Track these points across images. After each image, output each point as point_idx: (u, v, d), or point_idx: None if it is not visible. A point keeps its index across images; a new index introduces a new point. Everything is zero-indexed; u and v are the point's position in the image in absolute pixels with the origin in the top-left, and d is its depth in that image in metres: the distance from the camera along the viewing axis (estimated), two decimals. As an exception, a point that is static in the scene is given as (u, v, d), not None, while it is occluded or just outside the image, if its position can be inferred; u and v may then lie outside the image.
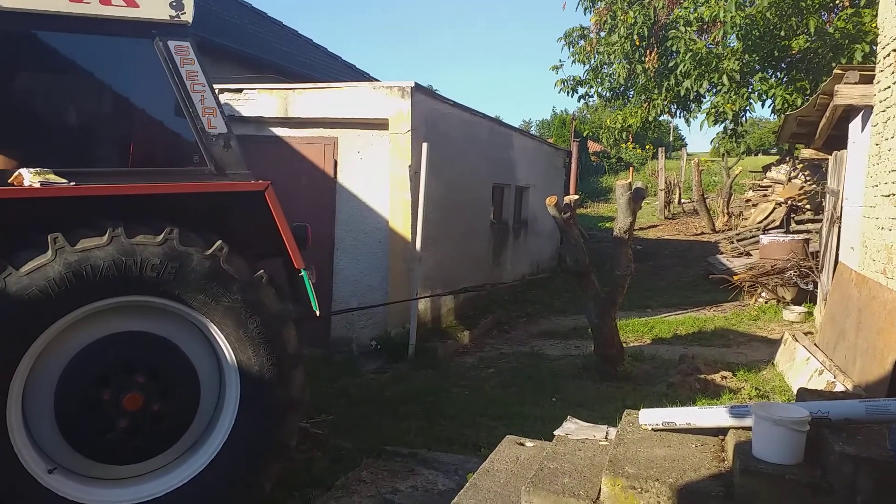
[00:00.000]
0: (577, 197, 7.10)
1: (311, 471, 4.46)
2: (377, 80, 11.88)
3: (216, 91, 3.80)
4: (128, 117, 4.06)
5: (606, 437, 3.97)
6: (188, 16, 3.67)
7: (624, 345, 8.32)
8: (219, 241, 3.38)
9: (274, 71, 11.74)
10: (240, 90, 8.09)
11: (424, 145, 7.61)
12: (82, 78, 3.99)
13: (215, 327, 3.43)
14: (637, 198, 6.55)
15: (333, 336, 8.03)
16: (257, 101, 8.03)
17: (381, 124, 7.74)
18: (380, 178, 7.85)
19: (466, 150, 9.50)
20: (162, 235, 3.26)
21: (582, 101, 16.03)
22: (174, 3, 3.64)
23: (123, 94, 4.04)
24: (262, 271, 3.53)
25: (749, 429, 3.16)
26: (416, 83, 7.65)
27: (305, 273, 3.74)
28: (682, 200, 25.31)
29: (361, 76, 16.83)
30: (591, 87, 15.49)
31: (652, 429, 3.63)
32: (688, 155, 31.04)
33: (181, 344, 3.48)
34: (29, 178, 3.18)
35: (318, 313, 3.91)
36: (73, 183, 3.22)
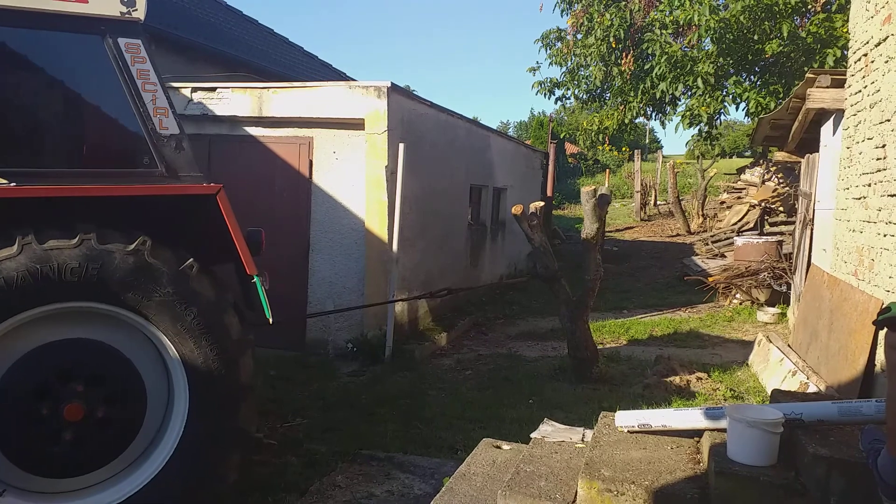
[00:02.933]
0: (542, 204, 7.07)
1: (284, 475, 4.38)
2: (353, 80, 11.80)
3: (168, 91, 3.71)
4: (75, 117, 3.93)
5: (583, 440, 3.96)
6: (140, 12, 3.57)
7: (600, 346, 8.36)
8: (141, 236, 3.29)
9: (248, 69, 11.63)
10: (213, 89, 7.98)
11: (401, 146, 7.56)
12: (27, 75, 3.85)
13: (152, 324, 3.35)
14: (602, 203, 6.58)
15: (309, 338, 7.95)
16: (231, 100, 7.92)
17: (357, 124, 7.67)
18: (356, 178, 7.79)
19: (444, 151, 9.47)
20: (77, 237, 3.15)
21: (559, 102, 16.13)
22: (126, 0, 3.54)
23: (71, 92, 3.90)
24: (191, 260, 3.43)
25: (724, 430, 3.17)
26: (392, 83, 7.60)
27: (258, 279, 3.67)
28: (658, 202, 25.57)
29: (338, 76, 16.73)
30: (568, 89, 15.58)
31: (628, 431, 3.63)
32: (663, 157, 31.36)
33: (120, 346, 3.40)
34: None
35: (270, 321, 3.81)
36: (13, 184, 3.12)
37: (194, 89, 8.00)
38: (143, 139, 3.55)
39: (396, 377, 6.85)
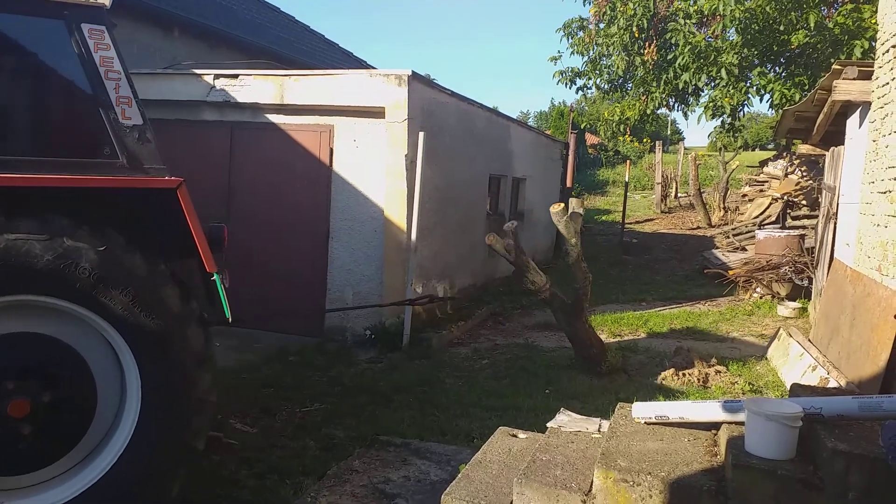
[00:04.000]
0: (515, 223, 6.93)
1: (303, 459, 4.45)
2: (374, 68, 11.80)
3: (133, 79, 3.57)
4: (34, 104, 3.77)
5: (599, 430, 3.96)
6: None
7: (617, 338, 8.36)
8: (113, 235, 3.19)
9: (270, 57, 11.68)
10: (235, 76, 8.03)
11: (421, 134, 7.57)
12: None
13: (113, 328, 3.22)
14: (575, 218, 6.51)
15: (328, 325, 8.02)
16: (253, 87, 7.97)
17: (377, 112, 7.68)
18: (376, 166, 7.81)
19: (463, 140, 9.46)
20: (46, 230, 3.04)
21: (580, 92, 16.02)
22: None
23: (30, 78, 3.73)
24: (163, 267, 3.33)
25: (742, 424, 3.16)
26: (413, 71, 7.59)
27: (218, 277, 3.54)
28: (679, 194, 25.35)
29: (359, 64, 16.74)
30: (590, 78, 15.43)
31: (645, 422, 3.63)
32: (685, 149, 31.06)
33: (71, 341, 3.26)
34: None
35: (230, 320, 3.68)
36: None
37: (217, 76, 8.06)
38: (105, 129, 3.42)
39: (413, 365, 6.89)
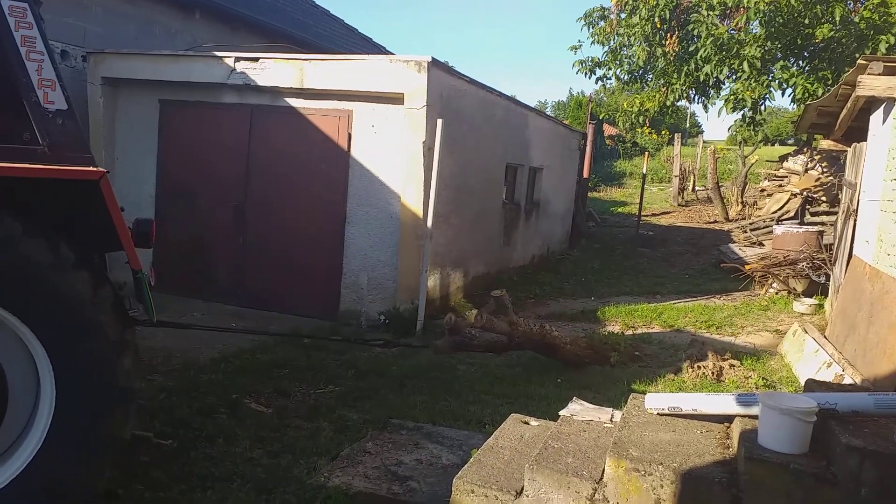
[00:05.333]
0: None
1: (317, 440, 4.50)
2: (393, 54, 11.78)
3: (58, 62, 3.42)
4: None
5: (611, 420, 3.97)
6: None
7: (631, 330, 8.34)
8: (10, 222, 2.97)
9: (290, 41, 11.69)
10: (256, 59, 8.05)
11: (439, 121, 7.56)
12: None
13: (17, 318, 3.03)
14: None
15: (343, 309, 8.07)
16: (273, 70, 7.99)
17: (396, 98, 7.68)
18: (393, 152, 7.82)
19: (481, 128, 9.44)
20: None
21: (599, 83, 15.84)
22: None
23: None
24: (67, 251, 3.11)
25: (755, 417, 3.16)
26: (433, 58, 7.57)
27: (143, 275, 3.40)
28: (697, 188, 25.15)
29: (378, 49, 16.69)
30: (610, 69, 15.31)
31: (657, 413, 3.63)
32: (704, 142, 30.80)
33: None
34: None
35: (154, 320, 3.57)
36: None
37: (237, 59, 8.09)
38: (25, 113, 3.18)
39: (427, 350, 6.91)
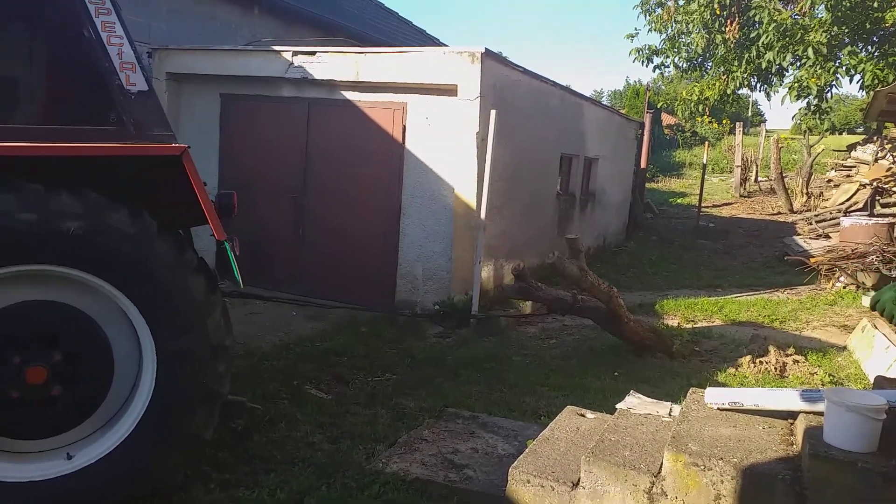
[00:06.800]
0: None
1: (374, 426, 4.59)
2: (447, 46, 11.78)
3: (136, 45, 3.51)
4: (36, 72, 3.70)
5: (670, 414, 3.93)
6: None
7: (691, 324, 8.19)
8: (142, 211, 3.18)
9: (346, 34, 11.83)
10: (313, 52, 8.18)
11: (492, 112, 7.55)
12: None
13: (114, 287, 3.17)
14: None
15: (398, 299, 8.17)
16: (329, 64, 8.11)
17: (450, 90, 7.70)
18: (447, 144, 7.85)
19: (535, 119, 9.37)
20: (78, 202, 3.02)
21: (657, 71, 15.51)
22: None
23: (32, 47, 3.67)
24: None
25: (821, 414, 3.08)
26: (486, 49, 7.56)
27: (227, 244, 3.51)
28: (759, 178, 24.41)
29: (431, 41, 16.75)
30: (668, 56, 14.97)
31: (717, 408, 3.58)
32: (767, 131, 29.77)
33: (85, 308, 3.22)
34: None
35: (241, 285, 3.68)
36: None
37: (295, 53, 8.24)
38: (110, 95, 3.34)
39: (481, 341, 6.96)
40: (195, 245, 3.78)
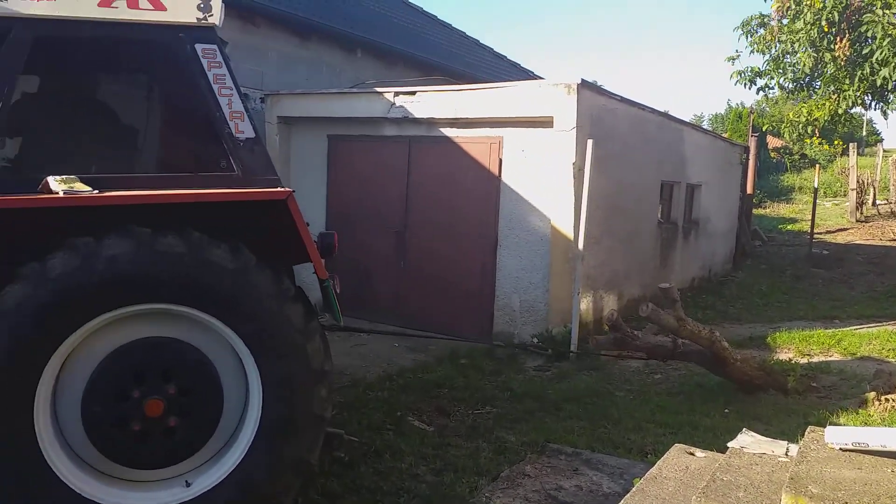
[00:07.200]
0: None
1: (476, 459, 4.61)
2: (541, 78, 11.87)
3: (244, 95, 3.72)
4: (154, 122, 4.03)
5: (786, 454, 3.73)
6: (216, 18, 3.57)
7: (806, 357, 7.74)
8: (246, 251, 3.33)
9: (443, 72, 12.17)
10: (413, 92, 8.48)
11: (589, 142, 7.53)
12: (109, 82, 3.99)
13: (241, 340, 3.36)
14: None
15: (496, 331, 8.21)
16: (429, 102, 8.37)
17: (545, 122, 7.76)
18: (543, 175, 7.88)
19: (633, 147, 9.26)
20: (190, 243, 3.20)
21: (761, 93, 14.92)
22: (202, 6, 3.53)
23: (150, 98, 3.99)
24: (289, 284, 3.46)
25: (961, 457, 2.85)
26: (582, 79, 7.59)
27: (329, 283, 3.67)
28: (877, 202, 22.84)
29: (526, 75, 16.90)
30: (772, 77, 14.37)
31: (840, 448, 3.37)
32: (884, 151, 27.91)
33: (209, 354, 3.41)
34: (55, 185, 3.16)
35: (340, 322, 3.85)
36: (96, 191, 3.21)
37: (396, 93, 8.56)
38: (220, 143, 3.55)
39: (582, 375, 6.87)
40: (298, 281, 3.96)
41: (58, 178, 3.19)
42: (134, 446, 3.29)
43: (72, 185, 3.19)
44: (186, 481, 3.40)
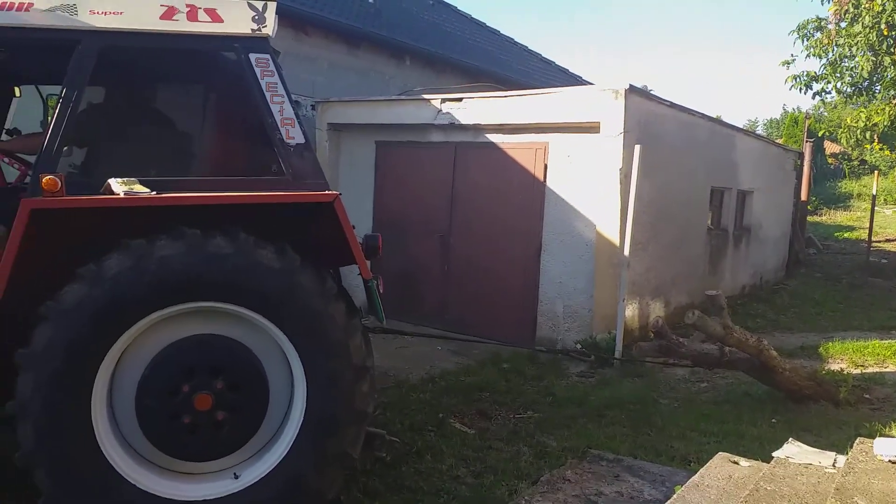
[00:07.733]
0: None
1: (517, 463, 4.64)
2: (589, 83, 11.82)
3: (295, 102, 3.87)
4: (210, 128, 4.22)
5: (833, 465, 3.66)
6: (269, 29, 3.72)
7: (860, 368, 7.52)
8: (292, 252, 3.44)
9: (490, 78, 12.24)
10: (459, 99, 8.56)
11: (636, 147, 7.47)
12: (169, 91, 4.20)
13: (286, 336, 3.47)
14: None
15: (539, 336, 8.20)
16: (475, 108, 8.44)
17: (592, 128, 7.73)
18: (588, 181, 7.86)
19: (682, 152, 9.14)
20: (238, 243, 3.33)
21: (817, 97, 14.56)
22: (256, 18, 3.69)
23: (206, 106, 4.18)
24: (332, 283, 3.57)
25: None
26: (630, 84, 7.54)
27: (372, 283, 3.78)
28: (942, 209, 21.93)
29: (573, 80, 16.84)
30: (829, 82, 14.00)
31: (889, 460, 3.30)
32: (950, 156, 26.74)
33: (256, 351, 3.53)
34: (116, 187, 3.33)
35: (384, 322, 3.96)
36: (154, 192, 3.37)
37: (443, 100, 8.66)
38: (272, 148, 3.71)
39: (626, 381, 6.81)
40: (345, 283, 4.12)
41: (119, 180, 3.38)
42: (184, 439, 3.44)
43: (132, 186, 3.37)
44: (235, 474, 3.54)
